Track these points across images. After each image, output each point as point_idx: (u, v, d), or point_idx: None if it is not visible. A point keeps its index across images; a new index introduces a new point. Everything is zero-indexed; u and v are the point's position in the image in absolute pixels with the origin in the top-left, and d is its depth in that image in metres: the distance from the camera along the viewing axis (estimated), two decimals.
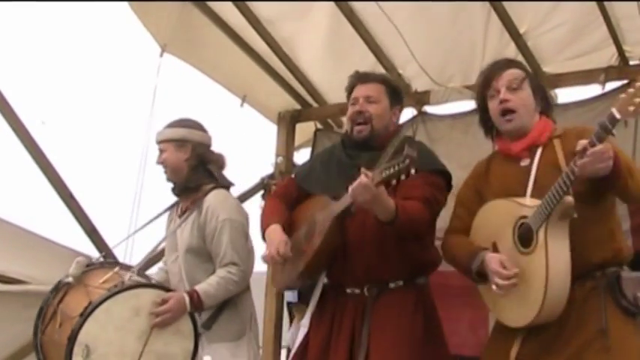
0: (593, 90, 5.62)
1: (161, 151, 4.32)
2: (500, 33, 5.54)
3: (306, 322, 3.82)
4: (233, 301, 4.19)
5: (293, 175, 4.30)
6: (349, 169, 3.76)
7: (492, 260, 3.34)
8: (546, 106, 3.56)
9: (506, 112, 3.44)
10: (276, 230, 3.83)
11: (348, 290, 3.78)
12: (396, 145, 3.75)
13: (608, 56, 5.47)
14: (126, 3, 5.35)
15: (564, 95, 5.77)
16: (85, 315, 3.72)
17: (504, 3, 5.33)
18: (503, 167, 3.51)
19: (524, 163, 3.44)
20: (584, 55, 5.52)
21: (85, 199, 5.53)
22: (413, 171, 3.37)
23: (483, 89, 3.54)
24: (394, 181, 3.39)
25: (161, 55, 5.56)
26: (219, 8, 5.70)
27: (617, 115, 3.01)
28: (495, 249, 3.41)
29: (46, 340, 3.92)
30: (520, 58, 5.59)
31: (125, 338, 3.80)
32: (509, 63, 3.60)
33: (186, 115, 4.45)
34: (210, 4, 5.66)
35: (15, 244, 5.12)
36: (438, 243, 3.84)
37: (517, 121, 3.44)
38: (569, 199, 3.19)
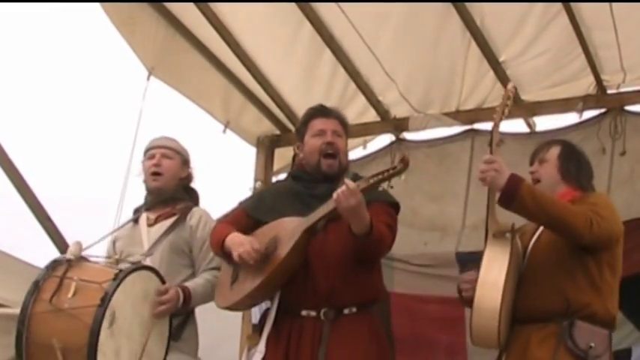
0: (570, 118, 5.70)
1: (165, 156, 4.35)
2: (480, 61, 5.59)
3: (261, 347, 3.71)
4: (193, 318, 4.17)
5: (241, 207, 4.19)
6: (305, 197, 3.80)
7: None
8: None
9: None
10: (237, 234, 3.76)
11: (304, 313, 3.71)
12: (350, 177, 3.76)
13: (586, 85, 5.57)
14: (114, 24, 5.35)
15: (542, 123, 5.85)
16: (120, 279, 3.64)
17: (484, 32, 5.38)
18: None
19: None
20: (562, 84, 5.59)
21: (62, 221, 5.51)
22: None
23: None
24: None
25: (148, 79, 5.58)
26: (201, 34, 5.73)
27: None
28: None
29: (45, 311, 3.71)
30: (499, 85, 5.67)
31: (134, 319, 3.73)
32: None
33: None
34: (193, 31, 5.69)
35: None
36: None
37: None
38: None
